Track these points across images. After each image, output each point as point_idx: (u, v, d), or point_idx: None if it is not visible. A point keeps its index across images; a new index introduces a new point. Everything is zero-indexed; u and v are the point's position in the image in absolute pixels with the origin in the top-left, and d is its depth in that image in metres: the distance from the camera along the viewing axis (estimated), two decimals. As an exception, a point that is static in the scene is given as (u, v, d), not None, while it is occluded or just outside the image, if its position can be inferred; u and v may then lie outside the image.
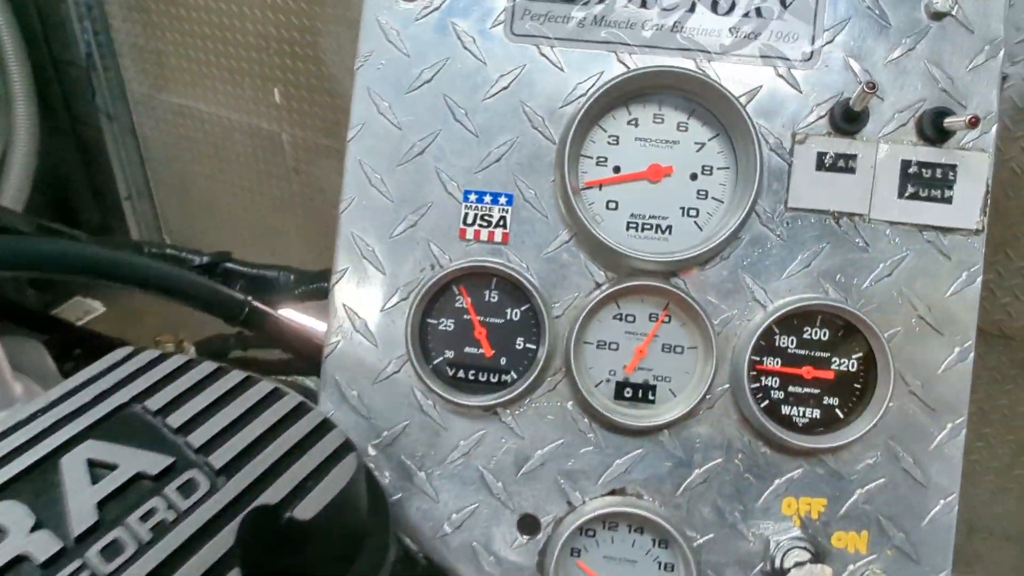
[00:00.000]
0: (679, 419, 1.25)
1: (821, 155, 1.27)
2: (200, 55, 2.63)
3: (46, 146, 3.03)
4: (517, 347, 1.31)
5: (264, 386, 0.85)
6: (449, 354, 1.32)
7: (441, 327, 1.32)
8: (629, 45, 1.29)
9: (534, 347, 1.30)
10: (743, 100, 1.27)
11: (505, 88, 1.31)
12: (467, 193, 1.31)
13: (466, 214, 1.31)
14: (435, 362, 1.32)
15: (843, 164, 1.27)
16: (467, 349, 1.32)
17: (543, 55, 1.30)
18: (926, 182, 1.26)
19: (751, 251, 1.28)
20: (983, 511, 2.05)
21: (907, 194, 1.26)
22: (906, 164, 1.26)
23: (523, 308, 1.31)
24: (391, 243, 1.31)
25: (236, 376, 0.86)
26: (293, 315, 1.69)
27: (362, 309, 1.32)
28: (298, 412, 0.84)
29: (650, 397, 1.30)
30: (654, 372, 1.30)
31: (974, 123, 1.16)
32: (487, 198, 1.31)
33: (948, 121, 1.22)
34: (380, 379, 1.31)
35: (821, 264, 1.27)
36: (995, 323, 1.90)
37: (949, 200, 1.26)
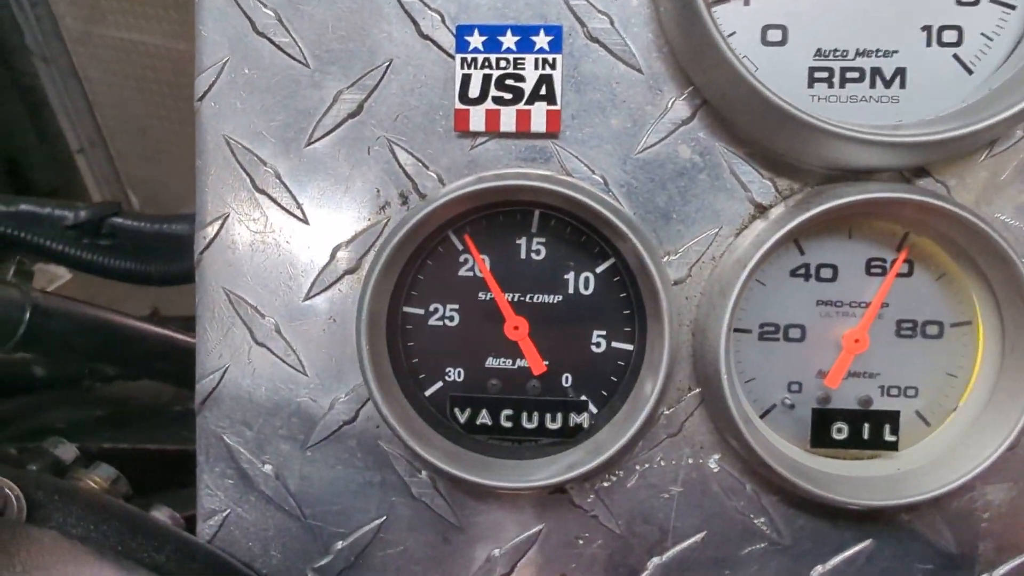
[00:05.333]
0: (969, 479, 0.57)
1: None
2: (137, -22, 2.09)
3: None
4: (594, 349, 0.63)
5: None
6: (455, 376, 0.64)
7: (433, 322, 0.63)
8: None
9: (629, 348, 0.62)
10: None
11: None
12: (463, 32, 0.60)
13: (466, 76, 0.61)
14: (429, 392, 0.64)
15: None
16: (492, 362, 0.64)
17: None
18: None
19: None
20: None
21: None
22: None
23: (600, 268, 0.62)
24: (310, 155, 0.62)
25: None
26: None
27: (267, 300, 0.63)
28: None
29: (887, 436, 0.62)
30: (882, 381, 0.62)
31: None
32: (507, 38, 0.60)
33: None
34: (319, 439, 0.64)
35: None
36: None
37: None
